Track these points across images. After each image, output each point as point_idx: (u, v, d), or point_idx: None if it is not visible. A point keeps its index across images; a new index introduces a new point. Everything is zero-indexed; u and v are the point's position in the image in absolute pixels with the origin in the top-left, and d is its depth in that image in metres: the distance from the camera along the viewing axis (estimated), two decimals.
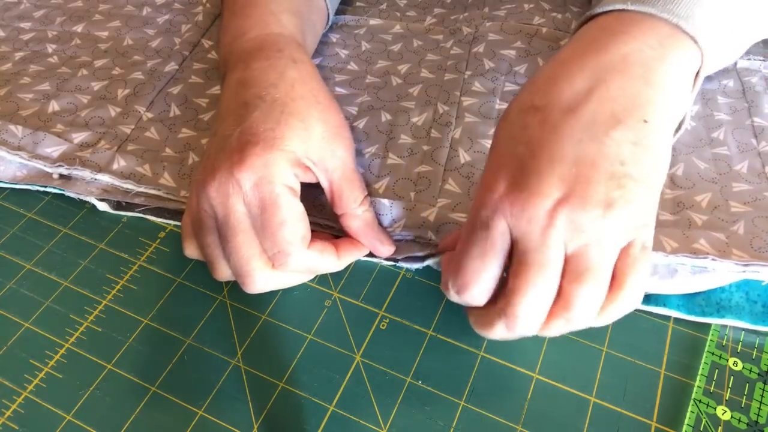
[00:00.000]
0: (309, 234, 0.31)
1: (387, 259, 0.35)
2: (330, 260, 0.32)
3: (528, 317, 0.26)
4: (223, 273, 0.31)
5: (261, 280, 0.30)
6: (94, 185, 0.38)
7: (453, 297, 0.28)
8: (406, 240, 0.35)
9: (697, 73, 0.29)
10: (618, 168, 0.25)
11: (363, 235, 0.33)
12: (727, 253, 0.32)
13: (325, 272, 0.33)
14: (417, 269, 0.35)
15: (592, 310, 0.26)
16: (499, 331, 0.27)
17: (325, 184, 0.32)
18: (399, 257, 0.34)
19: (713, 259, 0.32)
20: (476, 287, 0.27)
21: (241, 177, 0.29)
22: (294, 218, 0.30)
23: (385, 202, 0.36)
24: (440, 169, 0.38)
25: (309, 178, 0.32)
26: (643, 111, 0.26)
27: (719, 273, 0.32)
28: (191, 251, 0.33)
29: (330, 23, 0.47)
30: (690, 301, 0.32)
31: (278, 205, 0.29)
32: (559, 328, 0.26)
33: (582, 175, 0.25)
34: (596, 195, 0.24)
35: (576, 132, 0.25)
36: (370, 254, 0.34)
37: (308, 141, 0.31)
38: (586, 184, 0.24)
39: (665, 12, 0.28)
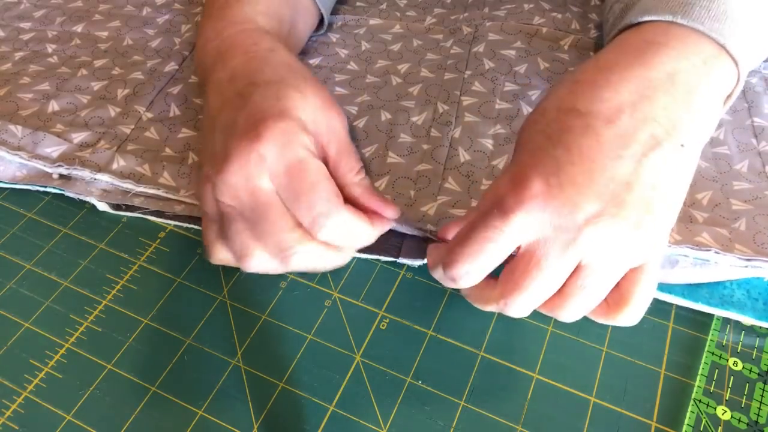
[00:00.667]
0: (339, 192, 0.30)
1: (386, 255, 0.35)
2: (364, 225, 0.31)
3: (523, 309, 0.27)
4: (256, 259, 0.30)
5: (301, 253, 0.30)
6: (93, 185, 0.38)
7: (437, 273, 0.28)
8: (406, 233, 0.35)
9: (729, 95, 0.29)
10: (649, 192, 0.25)
11: (367, 200, 0.32)
12: (729, 248, 0.32)
13: (361, 243, 0.32)
14: (417, 268, 0.35)
15: (580, 313, 0.27)
16: (491, 309, 0.28)
17: (321, 157, 0.32)
18: (399, 254, 0.35)
19: (716, 252, 0.32)
20: (470, 266, 0.26)
21: (263, 149, 0.29)
22: (324, 177, 0.30)
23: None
24: (440, 168, 0.38)
25: None
26: (682, 136, 0.26)
27: (721, 267, 0.32)
28: (220, 254, 0.31)
29: (327, 22, 0.47)
30: (693, 293, 0.33)
31: (306, 168, 0.29)
32: (545, 313, 0.28)
33: (617, 195, 0.25)
34: (627, 218, 0.25)
35: (616, 147, 0.25)
36: (370, 251, 0.34)
37: (308, 111, 0.31)
38: (621, 205, 0.25)
39: (713, 31, 0.28)
